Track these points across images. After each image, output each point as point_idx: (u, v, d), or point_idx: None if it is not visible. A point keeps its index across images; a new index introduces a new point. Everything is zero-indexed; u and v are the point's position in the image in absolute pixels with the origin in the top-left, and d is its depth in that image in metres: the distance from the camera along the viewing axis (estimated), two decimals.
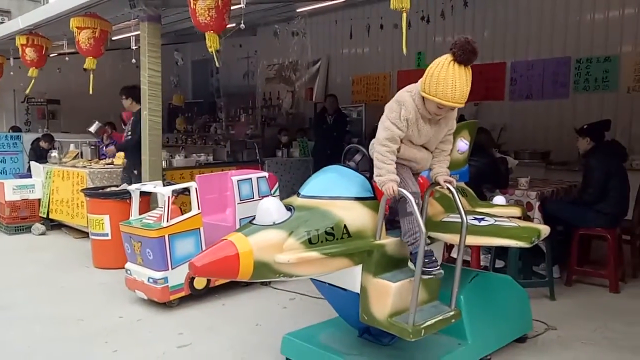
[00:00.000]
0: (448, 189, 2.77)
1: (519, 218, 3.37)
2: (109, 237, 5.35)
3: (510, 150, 7.87)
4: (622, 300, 4.43)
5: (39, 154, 9.24)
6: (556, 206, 4.82)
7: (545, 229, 2.87)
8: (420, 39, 9.03)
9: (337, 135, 8.49)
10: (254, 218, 2.60)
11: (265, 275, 2.46)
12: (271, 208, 2.54)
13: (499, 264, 4.68)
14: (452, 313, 2.71)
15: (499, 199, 3.58)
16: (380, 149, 2.66)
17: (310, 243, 2.49)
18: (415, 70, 9.18)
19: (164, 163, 6.74)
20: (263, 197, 4.58)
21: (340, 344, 3.06)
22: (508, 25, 8.29)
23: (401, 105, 2.66)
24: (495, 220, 2.93)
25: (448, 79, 2.49)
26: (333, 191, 2.70)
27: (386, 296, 2.59)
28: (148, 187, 4.38)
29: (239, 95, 12.13)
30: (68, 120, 11.92)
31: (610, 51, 7.32)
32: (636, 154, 6.72)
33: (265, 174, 4.75)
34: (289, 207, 2.63)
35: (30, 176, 8.01)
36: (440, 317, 2.65)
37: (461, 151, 3.54)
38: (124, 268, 4.57)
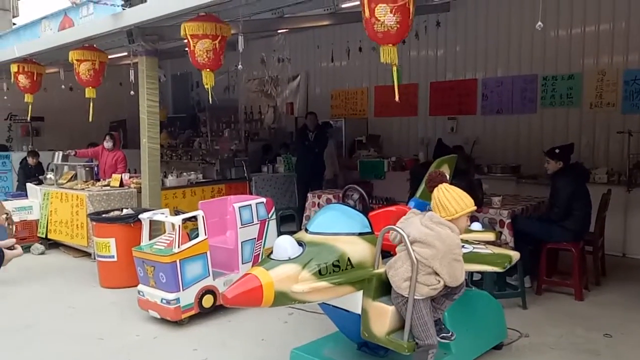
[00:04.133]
0: None
1: (493, 242, 3.89)
2: (115, 259, 5.73)
3: (484, 164, 8.46)
4: (585, 308, 4.98)
5: (28, 173, 9.50)
6: (526, 223, 5.35)
7: (515, 255, 3.40)
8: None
9: (318, 152, 8.87)
10: (271, 253, 3.04)
11: (284, 302, 2.91)
12: (287, 245, 2.99)
13: (477, 276, 5.19)
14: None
15: (475, 225, 4.07)
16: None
17: (320, 274, 2.94)
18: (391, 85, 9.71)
19: None
20: (262, 221, 5.07)
21: (342, 357, 3.52)
22: (478, 43, 8.79)
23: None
24: (474, 248, 3.43)
25: (455, 196, 3.06)
26: (337, 228, 3.16)
27: (384, 317, 3.07)
28: (159, 216, 4.77)
29: (220, 109, 12.46)
30: (52, 136, 12.12)
31: (573, 69, 7.87)
32: (599, 167, 7.34)
33: (264, 199, 5.18)
34: (300, 243, 3.08)
35: (22, 196, 8.28)
36: None
37: None
38: (129, 287, 4.98)
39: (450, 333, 3.33)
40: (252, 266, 3.22)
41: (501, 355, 3.95)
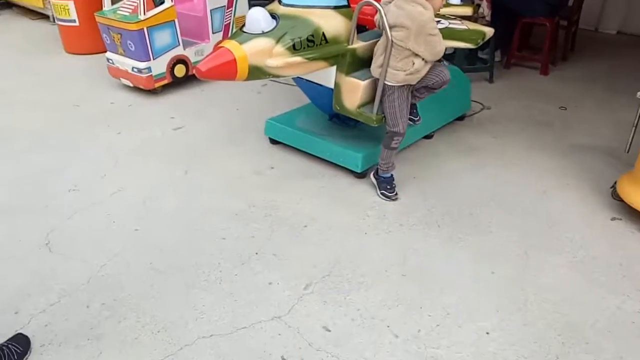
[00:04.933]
0: None
1: (470, 17, 3.84)
2: (77, 24, 5.50)
3: None
4: (548, 82, 5.18)
5: None
6: None
7: (489, 31, 3.38)
8: None
9: None
10: (243, 25, 2.96)
11: (258, 76, 2.94)
12: (260, 18, 2.89)
13: (449, 50, 5.21)
14: None
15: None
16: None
17: (294, 49, 2.92)
18: None
19: None
20: None
21: (314, 126, 3.72)
22: None
23: None
24: (449, 23, 3.39)
25: None
26: (312, 0, 3.04)
27: (356, 91, 3.16)
28: None
29: None
30: None
31: None
32: None
33: None
34: (273, 15, 2.99)
35: None
36: None
37: None
38: (96, 54, 4.87)
39: (418, 117, 3.48)
40: (225, 39, 3.14)
41: (462, 125, 4.22)
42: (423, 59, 2.94)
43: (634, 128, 3.07)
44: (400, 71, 2.96)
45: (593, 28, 6.90)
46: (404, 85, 3.03)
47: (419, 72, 2.99)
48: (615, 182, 3.18)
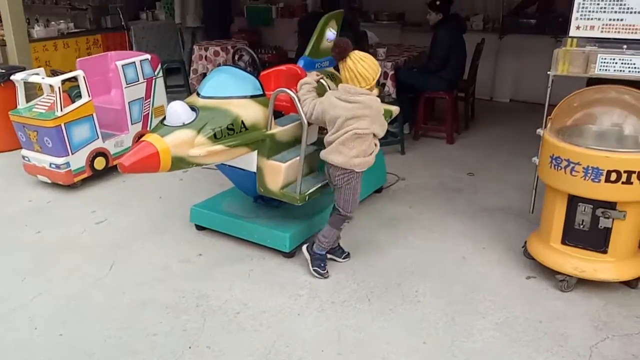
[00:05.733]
0: (319, 81, 3.38)
1: (378, 96, 4.13)
2: None
3: (370, 12, 8.52)
4: (454, 150, 5.58)
5: None
6: (407, 74, 5.67)
7: (395, 110, 3.69)
8: None
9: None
10: (164, 119, 3.05)
11: (181, 166, 3.01)
12: (179, 111, 3.00)
13: None
14: (326, 181, 3.48)
15: None
16: None
17: (215, 138, 3.03)
18: None
19: None
20: (148, 79, 4.92)
21: (239, 209, 3.78)
22: None
23: None
24: None
25: (370, 62, 3.01)
26: (229, 91, 3.18)
27: (278, 173, 3.29)
28: (35, 78, 4.43)
29: None
30: None
31: None
32: (477, 13, 7.68)
33: (148, 56, 4.94)
34: (193, 108, 3.10)
35: None
36: (319, 185, 3.42)
37: (329, 40, 4.08)
38: (10, 151, 4.77)
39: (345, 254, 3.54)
40: (146, 132, 3.21)
41: (380, 197, 4.43)
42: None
43: (534, 191, 3.37)
44: (369, 156, 3.10)
45: (489, 97, 7.57)
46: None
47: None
48: (525, 242, 3.43)
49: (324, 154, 3.13)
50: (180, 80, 7.51)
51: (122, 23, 8.08)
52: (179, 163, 2.98)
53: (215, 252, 3.60)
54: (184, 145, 2.95)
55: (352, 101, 2.97)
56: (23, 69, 5.15)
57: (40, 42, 7.02)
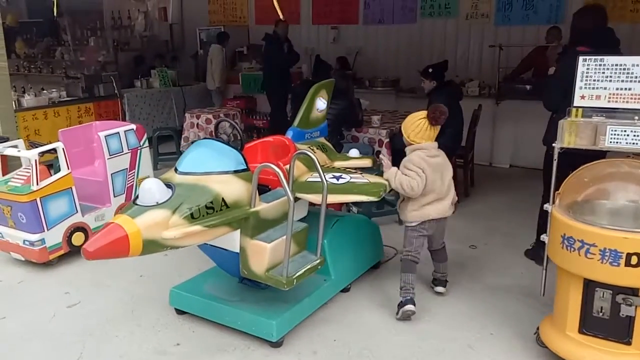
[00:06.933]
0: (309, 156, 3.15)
1: (371, 168, 3.92)
2: None
3: (365, 78, 8.49)
4: (454, 220, 5.18)
5: None
6: (403, 141, 5.46)
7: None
8: None
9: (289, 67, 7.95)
10: (137, 198, 2.80)
11: (154, 250, 2.72)
12: (153, 189, 2.75)
13: None
14: (317, 261, 3.19)
15: (353, 152, 4.07)
16: None
17: (192, 218, 2.76)
18: None
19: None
20: (133, 149, 4.71)
21: (223, 292, 3.47)
22: None
23: None
24: (351, 178, 3.41)
25: None
26: (209, 167, 2.94)
27: (263, 255, 3.00)
28: (11, 150, 4.23)
29: (83, 13, 11.12)
30: None
31: None
32: (473, 79, 7.63)
33: (133, 126, 4.77)
34: (169, 185, 2.85)
35: None
36: (309, 266, 3.12)
37: (320, 110, 3.92)
38: None
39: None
40: (116, 213, 2.96)
41: (378, 273, 4.12)
42: None
43: (544, 271, 3.07)
44: None
45: (488, 163, 7.37)
46: None
47: None
48: (537, 328, 3.10)
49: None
50: (172, 148, 7.36)
51: (115, 91, 8.02)
52: (152, 246, 2.70)
53: (195, 341, 3.27)
54: (157, 227, 2.68)
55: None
56: (7, 140, 4.96)
57: (30, 111, 6.92)
